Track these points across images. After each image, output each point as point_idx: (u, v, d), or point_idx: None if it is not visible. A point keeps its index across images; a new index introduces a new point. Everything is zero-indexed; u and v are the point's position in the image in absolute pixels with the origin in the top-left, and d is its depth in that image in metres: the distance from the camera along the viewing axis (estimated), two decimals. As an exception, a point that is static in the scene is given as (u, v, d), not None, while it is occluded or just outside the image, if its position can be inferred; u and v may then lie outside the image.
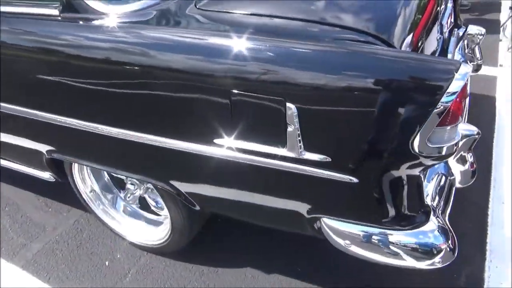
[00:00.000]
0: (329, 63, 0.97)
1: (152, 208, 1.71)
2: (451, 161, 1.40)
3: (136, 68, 1.14)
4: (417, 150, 0.95)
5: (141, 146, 1.26)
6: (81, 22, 1.25)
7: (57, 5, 1.28)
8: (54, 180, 1.73)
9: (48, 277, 1.69)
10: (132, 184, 1.66)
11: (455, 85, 0.89)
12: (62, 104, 1.34)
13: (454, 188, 1.38)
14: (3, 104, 1.47)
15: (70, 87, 1.26)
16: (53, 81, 1.29)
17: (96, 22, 1.21)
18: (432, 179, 1.32)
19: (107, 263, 1.73)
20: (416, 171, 1.03)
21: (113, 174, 1.66)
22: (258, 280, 1.61)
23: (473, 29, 1.93)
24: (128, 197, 1.77)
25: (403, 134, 0.94)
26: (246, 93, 1.02)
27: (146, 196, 1.69)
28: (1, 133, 1.65)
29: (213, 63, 1.06)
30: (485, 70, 2.48)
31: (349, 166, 1.03)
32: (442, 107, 0.90)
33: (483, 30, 1.94)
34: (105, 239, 1.83)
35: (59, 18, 1.28)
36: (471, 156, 1.42)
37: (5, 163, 1.81)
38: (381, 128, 0.96)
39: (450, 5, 1.73)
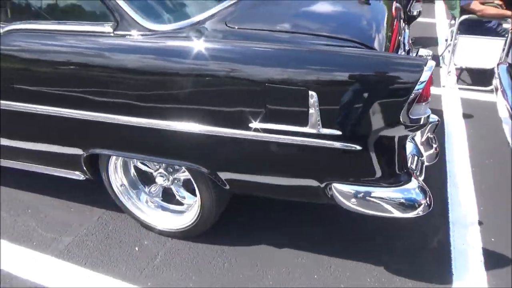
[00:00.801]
0: (339, 63, 1.38)
1: (177, 197, 1.98)
2: (421, 146, 1.84)
3: (183, 72, 1.48)
4: (403, 121, 1.35)
5: (186, 135, 1.57)
6: (132, 38, 1.57)
7: (111, 23, 1.60)
8: (84, 178, 1.96)
9: (84, 262, 1.89)
10: (161, 176, 1.93)
11: (425, 75, 1.32)
12: (116, 105, 1.61)
13: (424, 165, 1.80)
14: (52, 108, 1.72)
15: (125, 91, 1.56)
16: (109, 86, 1.59)
17: (145, 38, 1.55)
18: (409, 157, 1.73)
19: (136, 248, 1.96)
20: (403, 139, 1.44)
21: (155, 162, 1.87)
22: (274, 253, 1.91)
23: (423, 51, 2.46)
24: (153, 191, 2.03)
25: (393, 110, 1.35)
26: (277, 85, 1.39)
27: (172, 187, 1.96)
28: (36, 140, 1.89)
29: (250, 63, 1.43)
30: (432, 90, 3.06)
31: (354, 137, 1.41)
32: (417, 90, 1.32)
33: (430, 52, 2.48)
34: (130, 230, 2.06)
35: (112, 34, 1.60)
36: (435, 142, 1.87)
37: (33, 167, 2.02)
38: (376, 107, 1.36)
39: (407, 30, 2.25)
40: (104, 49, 1.58)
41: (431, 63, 1.33)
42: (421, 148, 1.84)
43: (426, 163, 1.82)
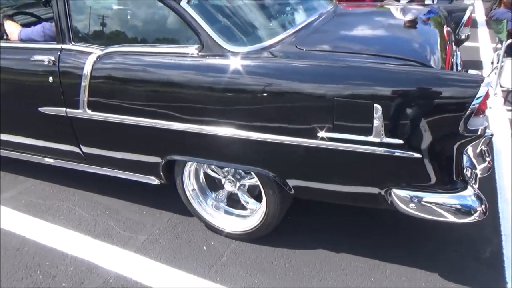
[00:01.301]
0: (402, 79, 1.55)
1: (242, 202, 2.18)
2: (474, 159, 1.95)
3: (259, 88, 1.69)
4: (461, 132, 1.50)
5: (259, 143, 1.77)
6: (216, 59, 1.81)
7: (197, 46, 1.85)
8: (158, 183, 2.20)
9: (159, 257, 2.10)
10: (229, 182, 2.14)
11: (482, 91, 1.47)
12: (198, 117, 1.84)
13: (478, 177, 1.90)
14: (136, 118, 1.97)
15: (207, 105, 1.79)
16: (192, 101, 1.83)
17: (227, 59, 1.78)
18: (464, 168, 1.85)
19: (204, 247, 2.15)
20: (460, 148, 1.57)
21: (229, 167, 2.06)
22: (331, 256, 2.05)
23: (473, 72, 2.58)
24: (220, 196, 2.24)
25: (452, 122, 1.50)
26: (345, 99, 1.58)
27: (238, 192, 2.16)
28: (121, 149, 2.16)
29: (319, 81, 1.63)
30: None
31: (415, 145, 1.56)
32: (474, 105, 1.47)
33: (480, 73, 2.59)
34: (197, 231, 2.27)
35: (196, 55, 1.85)
36: (488, 155, 1.98)
37: (115, 173, 2.28)
38: (437, 119, 1.51)
39: (458, 53, 2.39)
40: (189, 68, 1.83)
41: (488, 80, 1.48)
42: (475, 161, 1.95)
43: (479, 175, 1.93)
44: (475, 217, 1.65)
